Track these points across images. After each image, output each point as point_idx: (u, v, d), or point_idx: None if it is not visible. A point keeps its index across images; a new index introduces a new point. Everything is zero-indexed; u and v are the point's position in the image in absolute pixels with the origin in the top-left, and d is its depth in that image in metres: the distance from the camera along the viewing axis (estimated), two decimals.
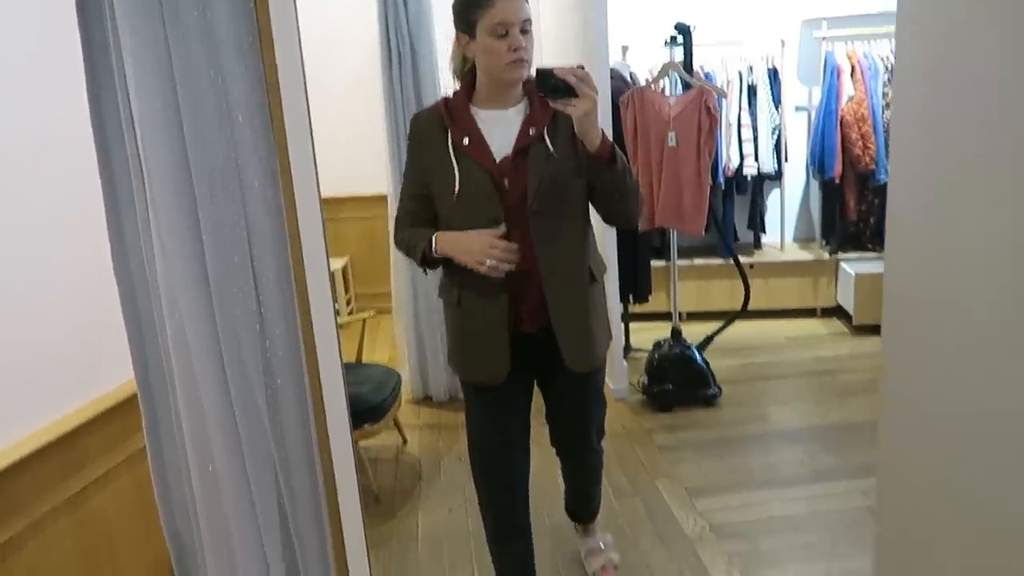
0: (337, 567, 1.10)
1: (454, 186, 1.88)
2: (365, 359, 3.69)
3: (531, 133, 1.90)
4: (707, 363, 3.91)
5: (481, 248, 1.83)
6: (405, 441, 3.62)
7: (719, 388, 3.90)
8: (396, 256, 4.02)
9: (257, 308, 0.95)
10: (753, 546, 2.65)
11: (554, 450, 2.34)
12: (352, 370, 3.26)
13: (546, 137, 1.90)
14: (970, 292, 1.25)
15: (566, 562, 2.63)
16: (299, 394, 1.01)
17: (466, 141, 1.90)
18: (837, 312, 5.12)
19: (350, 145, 5.12)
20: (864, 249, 5.06)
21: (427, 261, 1.95)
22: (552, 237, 1.93)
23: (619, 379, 4.01)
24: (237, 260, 0.92)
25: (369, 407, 2.99)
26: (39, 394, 1.64)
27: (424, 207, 2.00)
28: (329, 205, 5.76)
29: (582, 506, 2.54)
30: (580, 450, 2.33)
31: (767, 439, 3.49)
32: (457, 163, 1.89)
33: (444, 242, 1.90)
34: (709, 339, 4.08)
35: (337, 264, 5.63)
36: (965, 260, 1.26)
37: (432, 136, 1.95)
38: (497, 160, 1.90)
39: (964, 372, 1.28)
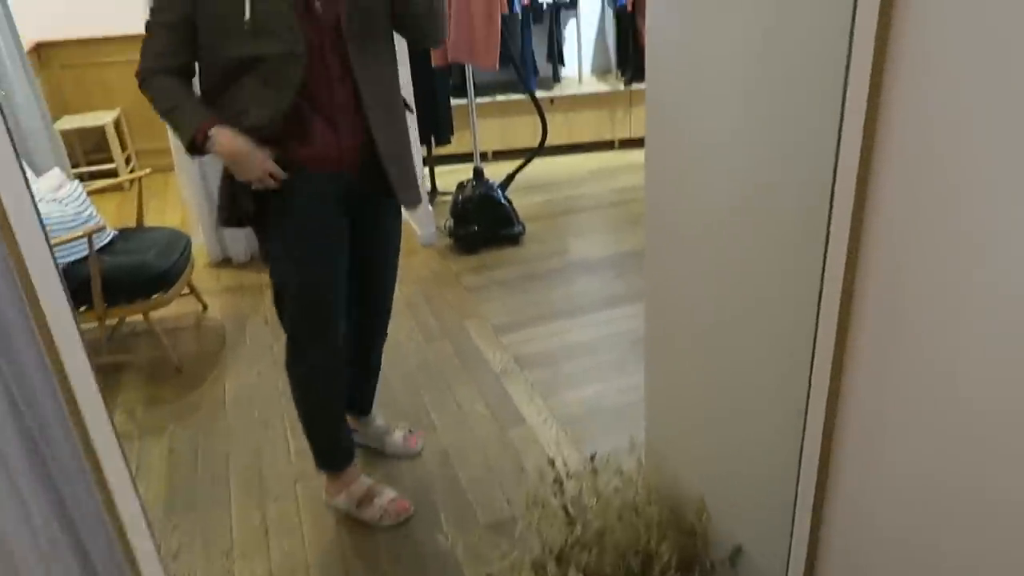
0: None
1: (244, 10, 1.60)
2: (151, 223, 3.41)
3: None
4: (510, 202, 3.98)
5: (260, 173, 1.72)
6: (205, 307, 3.45)
7: (523, 225, 4.00)
8: None
9: None
10: (554, 372, 2.84)
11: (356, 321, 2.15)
12: (132, 236, 3.00)
13: None
14: (716, 104, 1.32)
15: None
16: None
17: None
18: (635, 143, 5.33)
19: None
20: None
21: (194, 148, 1.71)
22: (370, 65, 1.79)
23: (426, 224, 4.00)
24: None
25: (155, 274, 2.79)
26: None
27: (186, 40, 1.69)
28: (88, 47, 5.05)
29: (372, 389, 2.40)
30: (385, 306, 2.21)
31: (568, 271, 3.67)
32: None
33: (224, 144, 1.68)
34: (510, 178, 4.12)
35: (107, 118, 5.03)
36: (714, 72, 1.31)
37: None
38: None
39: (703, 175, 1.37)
